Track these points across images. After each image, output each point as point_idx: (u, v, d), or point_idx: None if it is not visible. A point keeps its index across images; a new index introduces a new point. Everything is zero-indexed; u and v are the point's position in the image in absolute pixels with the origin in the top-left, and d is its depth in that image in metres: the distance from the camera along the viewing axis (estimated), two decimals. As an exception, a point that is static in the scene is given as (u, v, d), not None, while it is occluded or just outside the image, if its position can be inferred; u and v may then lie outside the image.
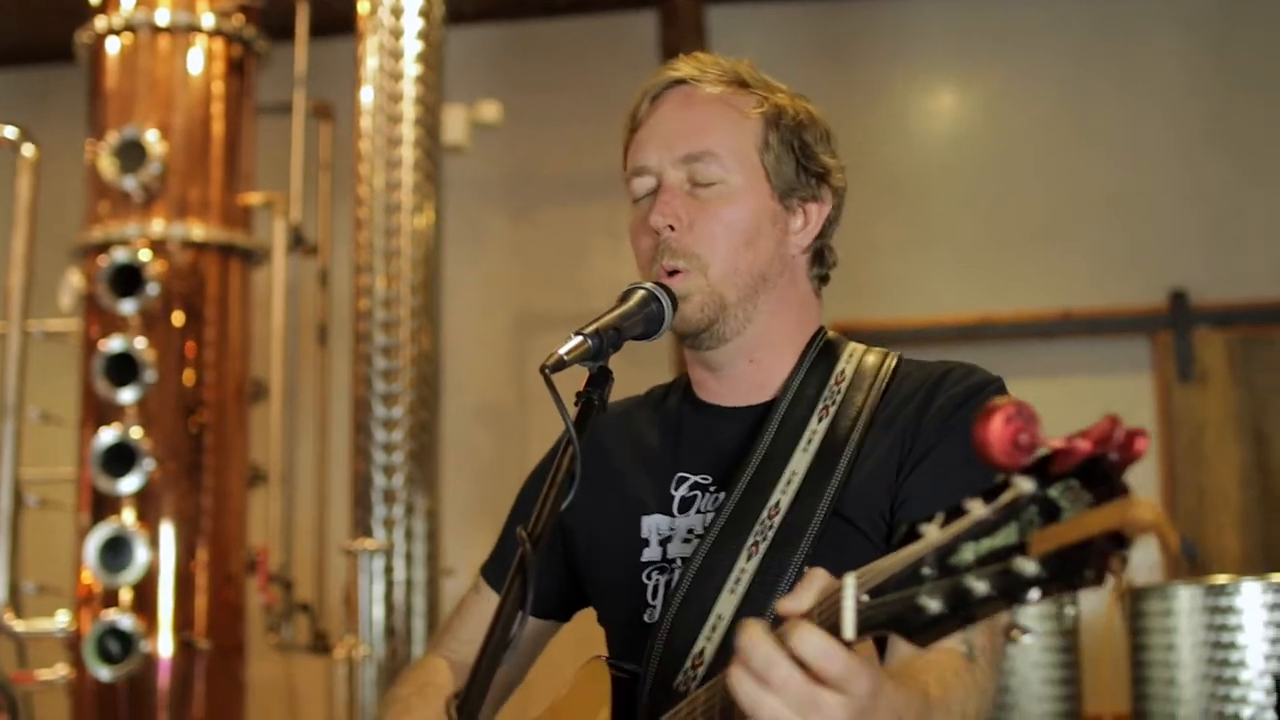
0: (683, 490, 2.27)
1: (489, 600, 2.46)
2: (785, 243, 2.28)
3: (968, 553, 1.35)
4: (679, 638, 2.12)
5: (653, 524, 2.27)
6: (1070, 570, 1.28)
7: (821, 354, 2.31)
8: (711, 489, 2.25)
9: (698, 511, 2.24)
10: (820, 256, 2.35)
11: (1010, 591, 1.31)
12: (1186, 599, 4.30)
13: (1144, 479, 6.52)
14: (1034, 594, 1.31)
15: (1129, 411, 6.55)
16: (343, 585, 5.35)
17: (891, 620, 1.42)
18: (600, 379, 1.98)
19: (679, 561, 2.23)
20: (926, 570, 1.38)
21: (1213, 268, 6.70)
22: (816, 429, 2.20)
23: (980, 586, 1.33)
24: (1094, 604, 4.89)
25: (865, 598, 1.45)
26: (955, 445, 2.13)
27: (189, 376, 5.49)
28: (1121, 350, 6.69)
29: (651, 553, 2.26)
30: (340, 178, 6.05)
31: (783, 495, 2.16)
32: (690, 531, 2.24)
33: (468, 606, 2.51)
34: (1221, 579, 4.35)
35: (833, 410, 2.21)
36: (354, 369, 5.36)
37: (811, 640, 1.50)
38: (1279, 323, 6.65)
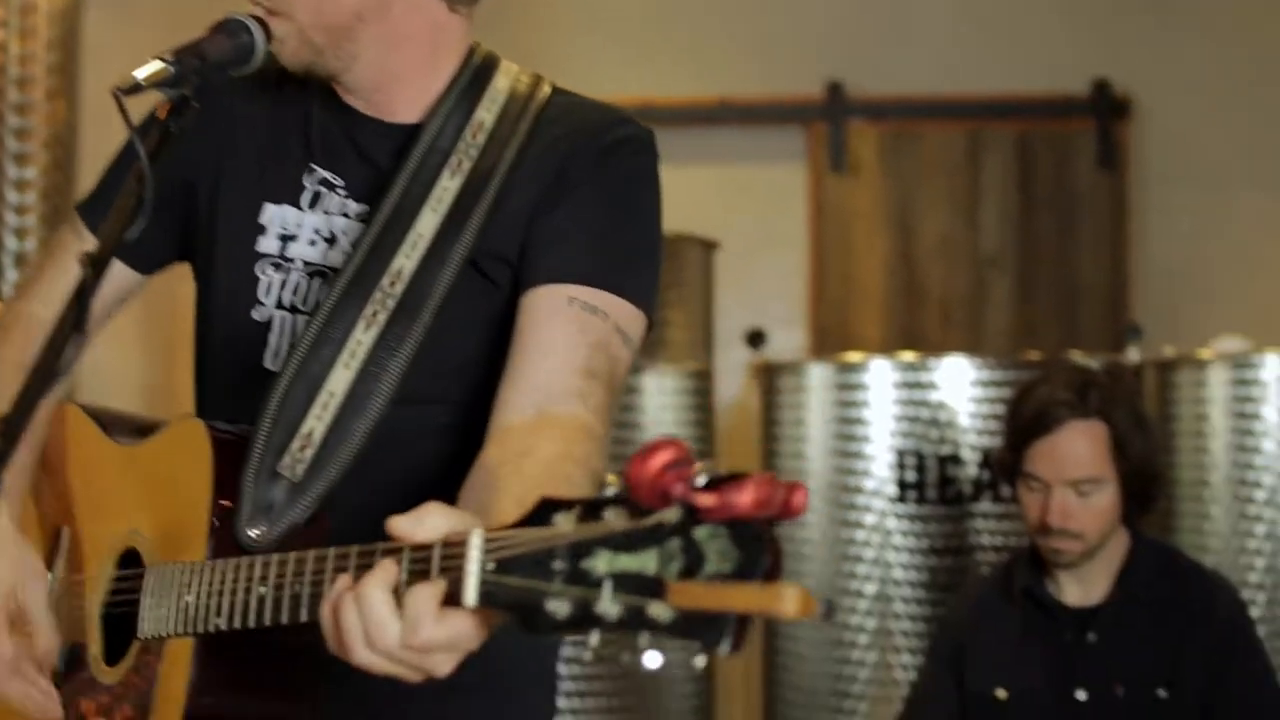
0: (313, 184, 2.17)
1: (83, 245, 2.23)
2: None
3: (602, 562, 1.29)
4: (287, 414, 2.00)
5: (276, 214, 2.16)
6: (705, 631, 1.24)
7: (470, 84, 2.16)
8: (340, 191, 2.14)
9: (325, 212, 2.14)
10: None
11: (641, 625, 1.26)
12: (818, 375, 4.40)
13: (793, 266, 6.65)
14: (665, 636, 1.26)
15: (782, 201, 6.70)
16: (-29, 352, 5.16)
17: (514, 606, 1.36)
18: (181, 107, 1.88)
19: (299, 263, 2.13)
20: (558, 564, 1.32)
21: (870, 61, 6.78)
22: (448, 186, 2.08)
23: (612, 611, 1.27)
24: (731, 384, 4.98)
25: (491, 565, 1.38)
26: (597, 192, 2.07)
27: None
28: (776, 139, 6.76)
29: (268, 244, 2.15)
30: (-25, -73, 5.73)
31: (406, 260, 2.05)
32: (316, 232, 2.13)
33: (60, 254, 2.30)
34: (853, 356, 4.46)
35: (467, 166, 2.11)
36: (-15, 127, 5.14)
37: (427, 613, 1.46)
38: (930, 118, 6.79)
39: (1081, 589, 3.40)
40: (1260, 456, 4.35)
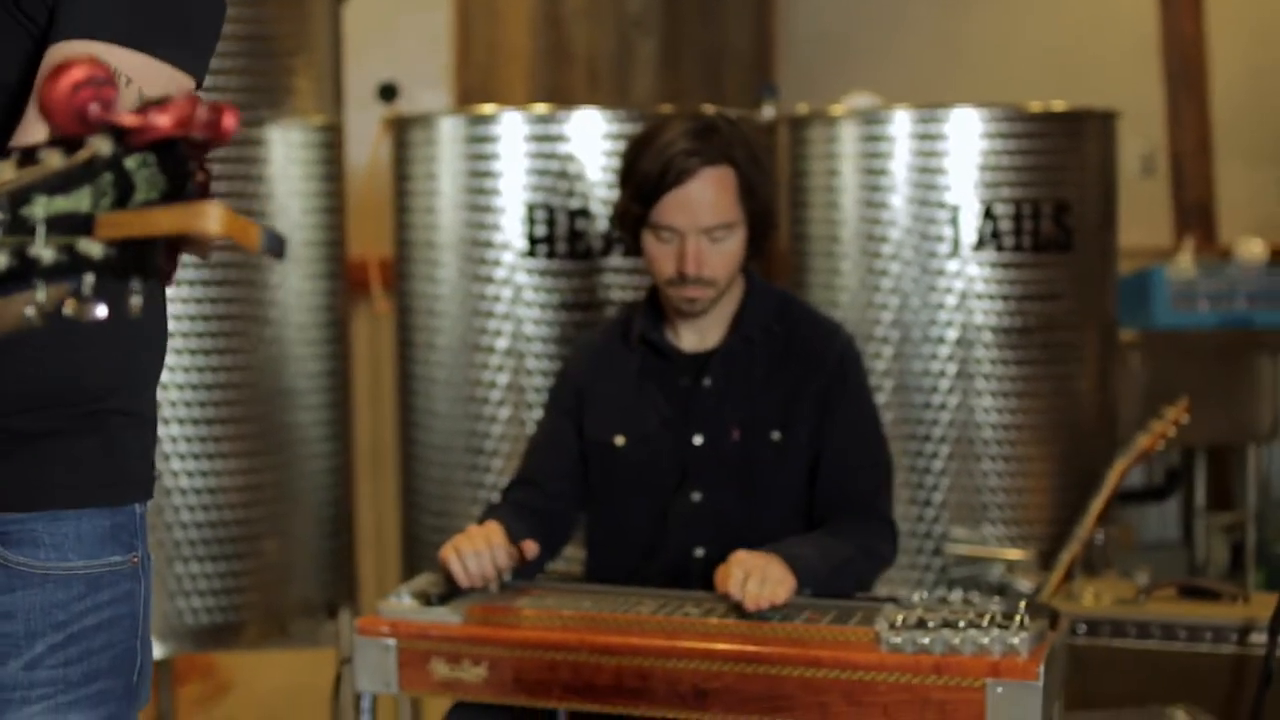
0: None
1: None
2: None
3: (39, 207, 1.25)
4: None
5: None
6: (135, 262, 1.23)
7: None
8: None
9: None
10: None
11: (76, 266, 1.24)
12: (449, 128, 4.32)
13: (437, 26, 6.52)
14: (99, 275, 1.25)
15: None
16: None
17: None
18: None
19: None
20: None
21: None
22: None
23: (47, 255, 1.24)
24: (368, 144, 4.87)
25: None
26: None
27: None
28: (420, -107, 6.60)
29: None
30: None
31: None
32: None
33: None
34: (486, 109, 4.39)
35: None
36: None
37: None
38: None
39: (698, 335, 3.41)
40: (887, 212, 4.42)
